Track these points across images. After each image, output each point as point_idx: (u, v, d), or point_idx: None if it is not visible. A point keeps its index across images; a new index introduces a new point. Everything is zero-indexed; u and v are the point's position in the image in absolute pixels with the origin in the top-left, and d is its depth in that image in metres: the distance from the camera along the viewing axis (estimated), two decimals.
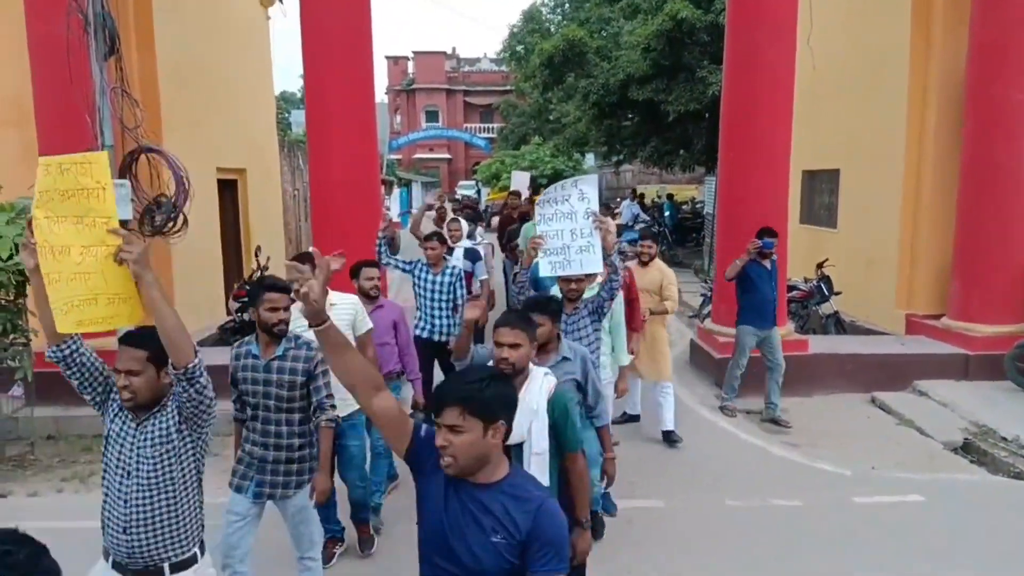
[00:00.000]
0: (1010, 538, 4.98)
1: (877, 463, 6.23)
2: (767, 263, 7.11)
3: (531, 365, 3.21)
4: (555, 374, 3.33)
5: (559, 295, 4.55)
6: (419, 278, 6.44)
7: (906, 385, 7.99)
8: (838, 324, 9.61)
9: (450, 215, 9.13)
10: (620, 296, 5.24)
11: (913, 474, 6.03)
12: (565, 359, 3.71)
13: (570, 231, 4.50)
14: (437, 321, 6.37)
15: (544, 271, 4.59)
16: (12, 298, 6.13)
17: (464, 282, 6.60)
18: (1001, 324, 8.12)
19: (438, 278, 6.37)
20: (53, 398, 6.88)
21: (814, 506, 5.43)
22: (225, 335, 9.36)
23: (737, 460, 6.34)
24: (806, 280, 10.09)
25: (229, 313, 9.64)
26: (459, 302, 6.38)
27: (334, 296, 4.37)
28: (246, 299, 9.43)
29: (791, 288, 9.37)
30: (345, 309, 4.57)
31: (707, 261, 15.29)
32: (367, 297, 5.02)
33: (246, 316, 9.47)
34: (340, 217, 7.42)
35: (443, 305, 6.35)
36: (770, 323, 7.10)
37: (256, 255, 10.20)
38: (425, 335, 6.35)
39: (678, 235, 20.68)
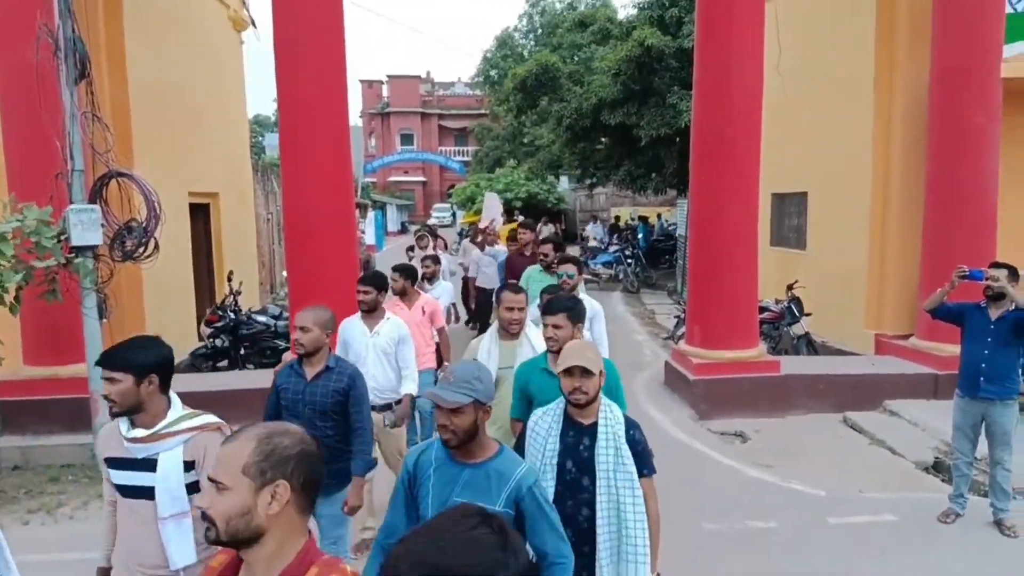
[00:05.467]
0: (982, 557, 5.05)
1: (849, 483, 6.28)
2: (996, 310, 5.24)
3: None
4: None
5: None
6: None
7: (877, 405, 8.08)
8: (809, 345, 9.72)
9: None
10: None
11: (885, 494, 6.09)
12: None
13: None
14: None
15: None
16: None
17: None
18: None
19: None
20: (19, 427, 6.68)
21: (790, 527, 5.46)
22: (197, 361, 9.23)
23: (713, 482, 6.35)
24: (777, 301, 10.21)
25: (201, 339, 9.52)
26: None
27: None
28: (219, 324, 9.33)
29: (762, 310, 9.48)
30: None
31: (680, 283, 15.43)
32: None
33: (218, 342, 9.36)
34: (314, 241, 7.38)
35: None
36: (975, 392, 5.31)
37: (229, 280, 10.12)
38: None
39: (651, 257, 20.89)
